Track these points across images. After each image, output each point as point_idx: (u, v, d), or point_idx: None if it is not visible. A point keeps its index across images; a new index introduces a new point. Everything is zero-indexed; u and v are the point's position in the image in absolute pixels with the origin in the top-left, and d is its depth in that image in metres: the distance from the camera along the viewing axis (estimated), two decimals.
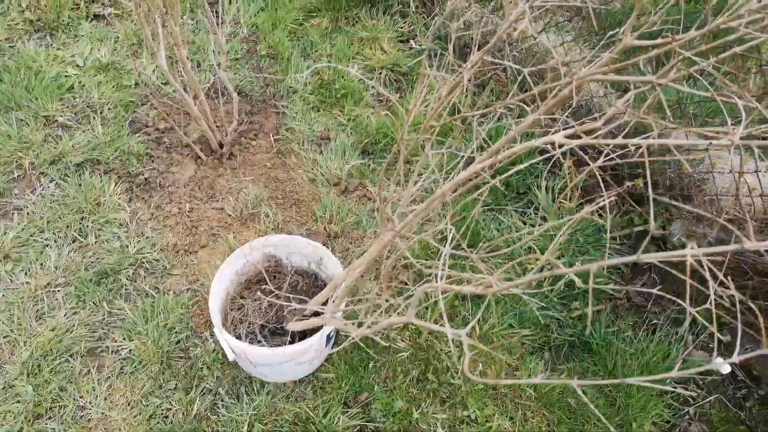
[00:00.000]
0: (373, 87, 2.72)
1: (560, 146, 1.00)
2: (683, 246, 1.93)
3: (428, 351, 1.95)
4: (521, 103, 1.02)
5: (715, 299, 0.76)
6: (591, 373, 1.92)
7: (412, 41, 2.83)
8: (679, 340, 1.95)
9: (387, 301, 1.30)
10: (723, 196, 1.87)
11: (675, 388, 1.88)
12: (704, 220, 1.96)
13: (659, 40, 0.89)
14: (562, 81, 0.99)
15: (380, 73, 2.75)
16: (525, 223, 2.25)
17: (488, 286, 0.89)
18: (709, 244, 1.95)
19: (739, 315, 0.73)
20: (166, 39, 1.96)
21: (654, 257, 0.69)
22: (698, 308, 0.75)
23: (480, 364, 1.92)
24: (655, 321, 2.00)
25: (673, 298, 0.81)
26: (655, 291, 0.97)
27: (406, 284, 2.06)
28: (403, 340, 1.98)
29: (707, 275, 0.67)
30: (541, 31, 2.31)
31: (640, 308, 2.07)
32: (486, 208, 2.28)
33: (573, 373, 1.93)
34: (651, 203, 0.72)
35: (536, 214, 2.28)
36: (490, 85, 2.58)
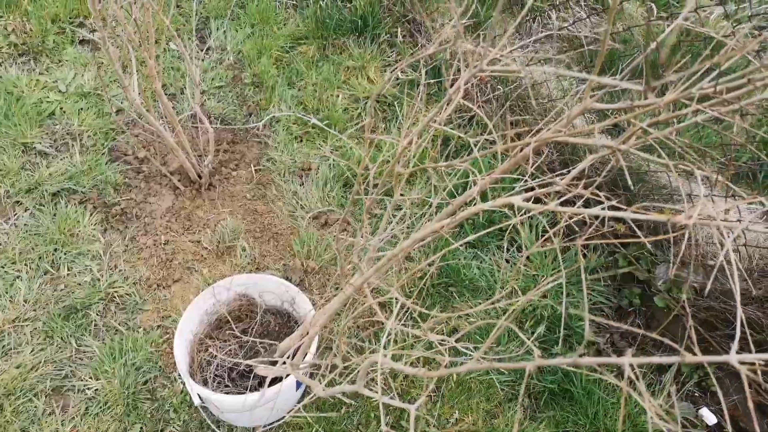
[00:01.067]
0: (361, 115, 2.68)
1: (519, 210, 0.95)
2: (669, 290, 1.87)
3: (404, 396, 1.89)
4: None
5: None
6: (572, 423, 1.86)
7: (398, 72, 2.80)
8: (662, 390, 1.88)
9: (350, 355, 1.24)
10: (707, 242, 1.82)
11: None
12: (689, 264, 1.90)
13: (619, 104, 0.84)
14: (521, 142, 0.94)
15: (365, 102, 2.71)
16: (508, 261, 2.20)
17: (435, 359, 0.84)
18: (693, 289, 1.89)
19: None
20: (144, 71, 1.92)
21: (593, 361, 0.64)
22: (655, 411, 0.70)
23: (456, 411, 1.86)
24: (638, 368, 1.93)
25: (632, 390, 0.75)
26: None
27: (383, 325, 2.00)
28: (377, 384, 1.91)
29: (642, 388, 0.62)
30: (527, 65, 2.27)
31: (623, 353, 2.01)
32: (467, 244, 2.23)
33: (553, 422, 1.86)
34: (587, 321, 0.67)
35: (519, 251, 2.22)
36: (475, 118, 2.54)
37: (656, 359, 0.58)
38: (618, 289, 2.09)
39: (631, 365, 0.58)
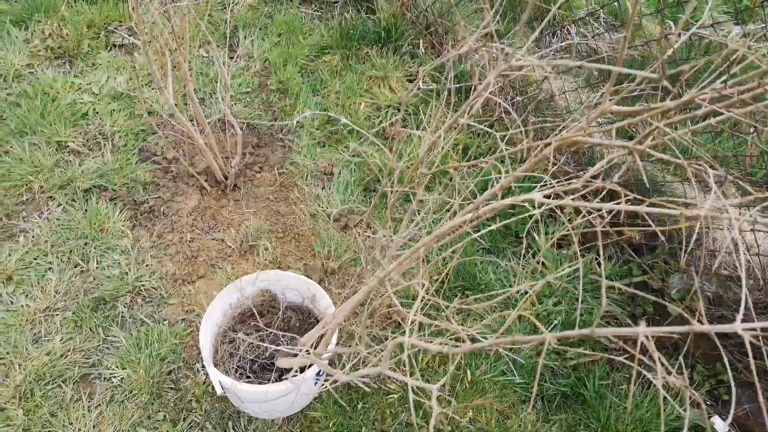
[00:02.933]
0: (380, 124, 2.75)
1: (539, 205, 1.01)
2: (682, 299, 1.91)
3: (419, 394, 1.93)
4: (500, 161, 1.03)
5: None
6: (583, 426, 1.89)
7: (420, 82, 2.87)
8: (674, 396, 1.91)
9: (370, 345, 1.30)
10: (720, 252, 1.86)
11: None
12: (702, 273, 1.93)
13: (636, 107, 0.90)
14: (543, 141, 1.00)
15: (386, 111, 2.79)
16: (523, 268, 2.24)
17: (456, 345, 0.89)
18: (706, 299, 1.93)
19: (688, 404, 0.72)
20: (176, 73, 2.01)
21: (607, 332, 0.69)
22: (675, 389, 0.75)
23: (470, 411, 1.90)
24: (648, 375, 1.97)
25: (641, 370, 0.80)
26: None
27: (399, 324, 2.05)
28: (393, 382, 1.96)
29: (655, 356, 0.67)
30: (544, 79, 2.34)
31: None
32: (484, 250, 2.28)
33: (565, 424, 1.89)
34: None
35: (534, 258, 2.27)
36: (495, 127, 2.60)
37: (665, 328, 0.63)
38: (632, 297, 2.13)
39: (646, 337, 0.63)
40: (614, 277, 2.15)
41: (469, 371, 1.96)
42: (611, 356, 0.96)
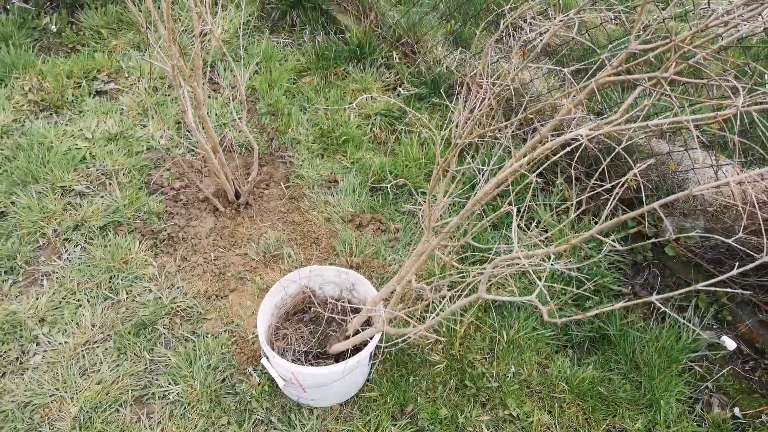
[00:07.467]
0: (371, 131, 2.93)
1: (587, 137, 1.20)
2: (677, 240, 2.15)
3: (462, 360, 2.08)
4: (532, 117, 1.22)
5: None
6: (614, 362, 2.08)
7: (399, 88, 3.08)
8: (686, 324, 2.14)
9: (451, 288, 1.45)
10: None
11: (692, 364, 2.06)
12: (691, 214, 2.19)
13: (659, 42, 1.11)
14: (581, 84, 1.20)
15: (375, 118, 2.97)
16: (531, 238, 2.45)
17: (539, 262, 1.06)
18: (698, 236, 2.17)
19: None
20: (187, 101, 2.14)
21: (703, 188, 0.88)
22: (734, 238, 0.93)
23: (512, 366, 2.06)
24: (662, 310, 2.19)
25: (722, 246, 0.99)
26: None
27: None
28: (437, 354, 2.10)
29: (752, 196, 0.86)
30: (517, 64, 2.59)
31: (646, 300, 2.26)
32: (491, 226, 2.47)
33: (597, 364, 2.08)
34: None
35: (537, 227, 2.48)
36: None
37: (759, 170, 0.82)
38: (631, 247, 2.36)
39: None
40: (610, 231, 2.38)
41: (504, 333, 2.13)
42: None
